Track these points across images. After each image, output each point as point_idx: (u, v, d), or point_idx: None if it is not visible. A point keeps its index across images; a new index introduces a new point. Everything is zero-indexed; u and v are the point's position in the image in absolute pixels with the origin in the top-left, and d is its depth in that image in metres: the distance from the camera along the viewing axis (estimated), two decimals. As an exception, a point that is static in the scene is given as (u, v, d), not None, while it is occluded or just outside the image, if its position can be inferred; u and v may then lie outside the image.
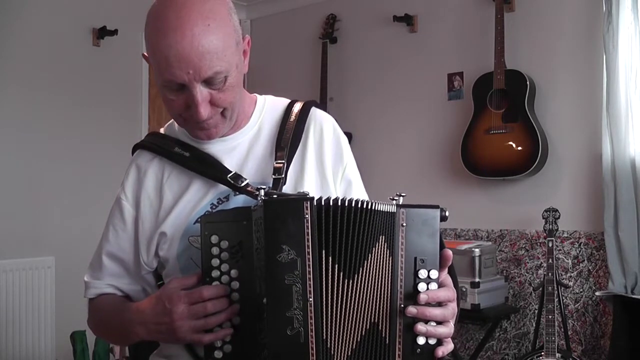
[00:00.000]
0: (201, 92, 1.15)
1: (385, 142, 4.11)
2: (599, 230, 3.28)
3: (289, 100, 1.39)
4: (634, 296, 3.07)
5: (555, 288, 3.06)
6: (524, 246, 3.56)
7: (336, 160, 1.34)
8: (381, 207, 1.11)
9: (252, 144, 1.32)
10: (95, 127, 4.08)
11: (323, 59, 4.30)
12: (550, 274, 3.07)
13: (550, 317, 3.00)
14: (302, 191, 1.19)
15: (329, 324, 1.06)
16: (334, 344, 1.07)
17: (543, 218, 3.21)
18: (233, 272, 1.12)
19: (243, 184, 1.23)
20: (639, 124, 3.15)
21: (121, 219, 1.32)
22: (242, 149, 1.31)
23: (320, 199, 1.08)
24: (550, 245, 3.13)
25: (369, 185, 1.41)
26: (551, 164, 3.42)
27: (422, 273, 1.10)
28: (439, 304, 1.11)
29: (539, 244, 3.50)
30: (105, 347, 3.42)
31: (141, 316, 1.18)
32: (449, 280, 1.15)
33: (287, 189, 1.25)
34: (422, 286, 1.10)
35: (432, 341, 1.10)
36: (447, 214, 1.13)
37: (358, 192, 1.36)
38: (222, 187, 1.26)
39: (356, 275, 1.08)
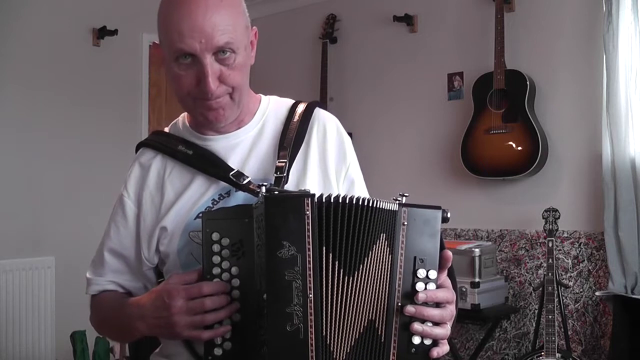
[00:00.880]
0: (212, 65, 1.18)
1: (386, 142, 4.11)
2: (599, 230, 3.28)
3: (293, 101, 1.40)
4: (634, 296, 3.07)
5: (555, 288, 3.06)
6: (524, 246, 3.56)
7: (339, 160, 1.35)
8: (383, 205, 1.11)
9: (255, 142, 1.33)
10: (95, 127, 4.08)
11: (323, 59, 4.30)
12: (550, 274, 3.07)
13: (550, 317, 3.00)
14: (303, 189, 1.19)
15: (329, 320, 1.06)
16: (333, 341, 1.07)
17: (543, 218, 3.21)
18: (234, 270, 1.12)
19: (245, 182, 1.24)
20: (639, 124, 3.15)
21: (123, 216, 1.33)
22: (245, 146, 1.32)
23: (321, 196, 1.09)
24: (550, 245, 3.13)
25: (369, 184, 1.41)
26: (551, 164, 3.42)
27: (421, 273, 1.10)
28: (437, 305, 1.11)
29: (539, 244, 3.50)
30: (105, 347, 3.42)
31: (141, 311, 1.18)
32: (448, 282, 1.16)
33: (289, 187, 1.26)
34: (420, 286, 1.10)
35: (427, 341, 1.10)
36: (448, 215, 1.13)
37: (360, 192, 1.36)
38: (224, 183, 1.27)
39: (356, 272, 1.09)
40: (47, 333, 3.79)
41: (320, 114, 1.37)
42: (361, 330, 1.08)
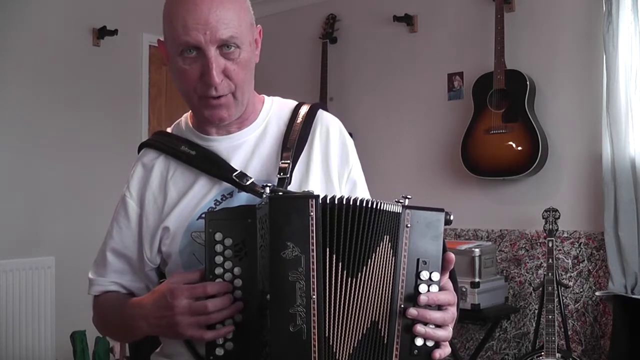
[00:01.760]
0: (216, 58, 1.18)
1: (385, 142, 4.11)
2: (599, 230, 3.28)
3: (296, 102, 1.40)
4: (634, 296, 3.07)
5: (555, 288, 3.06)
6: (524, 246, 3.56)
7: (342, 162, 1.35)
8: (387, 207, 1.11)
9: (258, 143, 1.33)
10: (95, 127, 4.08)
11: (323, 59, 4.30)
12: (550, 274, 3.07)
13: (550, 317, 3.00)
14: (306, 190, 1.20)
15: (332, 321, 1.06)
16: (336, 342, 1.07)
17: (543, 218, 3.21)
18: (236, 270, 1.12)
19: (248, 183, 1.24)
20: (639, 124, 3.15)
21: (125, 217, 1.33)
22: (248, 146, 1.32)
23: (325, 197, 1.09)
24: (550, 245, 3.13)
25: (369, 184, 1.41)
26: (551, 164, 3.42)
27: (424, 275, 1.11)
28: (439, 308, 1.11)
29: (539, 244, 3.50)
30: (105, 347, 3.43)
31: (143, 310, 1.18)
32: (449, 284, 1.16)
33: (292, 189, 1.26)
34: (423, 288, 1.10)
35: (429, 343, 1.10)
36: (451, 217, 1.14)
37: (362, 194, 1.36)
38: (226, 184, 1.27)
39: (359, 274, 1.09)
40: (47, 333, 3.79)
41: (323, 116, 1.37)
42: (364, 332, 1.08)
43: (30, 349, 3.72)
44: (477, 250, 3.32)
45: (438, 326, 1.11)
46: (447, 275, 1.15)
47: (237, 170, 1.26)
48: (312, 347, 1.04)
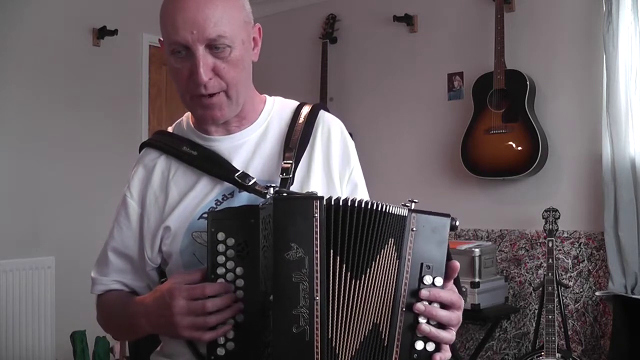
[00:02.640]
0: (204, 56, 1.18)
1: (385, 142, 4.11)
2: (599, 230, 3.28)
3: (297, 102, 1.40)
4: (634, 296, 3.07)
5: (555, 288, 3.06)
6: (524, 246, 3.56)
7: (343, 163, 1.35)
8: (393, 210, 1.11)
9: (260, 142, 1.32)
10: (95, 127, 4.08)
11: (323, 59, 4.30)
12: (550, 274, 3.07)
13: (550, 317, 3.00)
14: (310, 191, 1.19)
15: (335, 323, 1.06)
16: (339, 343, 1.07)
17: (543, 218, 3.21)
18: (238, 270, 1.12)
19: (250, 183, 1.23)
20: (639, 124, 3.15)
21: (126, 216, 1.33)
22: (250, 146, 1.32)
23: (330, 198, 1.09)
24: (550, 245, 3.13)
25: (368, 184, 1.41)
26: (551, 164, 3.42)
27: (427, 279, 1.10)
28: (443, 307, 1.11)
29: (539, 244, 3.50)
30: (105, 347, 3.43)
31: (144, 309, 1.19)
32: (455, 288, 1.16)
33: (293, 189, 1.26)
34: (423, 293, 1.10)
35: (430, 347, 1.10)
36: (457, 223, 1.13)
37: (362, 196, 1.36)
38: (228, 184, 1.27)
39: (363, 276, 1.08)
40: (47, 333, 3.79)
41: (325, 116, 1.37)
42: (366, 334, 1.08)
43: (30, 349, 3.71)
44: (477, 250, 3.32)
45: (442, 327, 1.10)
46: (451, 282, 1.14)
47: (239, 171, 1.26)
48: (314, 348, 1.04)
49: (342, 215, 1.08)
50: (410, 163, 4.03)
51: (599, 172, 3.25)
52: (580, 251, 3.37)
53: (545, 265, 3.24)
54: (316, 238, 1.06)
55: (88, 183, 4.00)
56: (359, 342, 1.08)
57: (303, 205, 1.07)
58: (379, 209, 1.10)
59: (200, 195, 1.27)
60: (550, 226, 3.17)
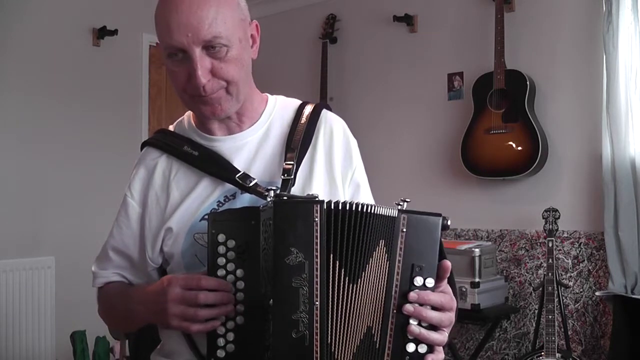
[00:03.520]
0: (201, 58, 1.17)
1: (385, 142, 4.11)
2: (599, 230, 3.28)
3: (300, 102, 1.39)
4: (634, 296, 3.07)
5: (555, 288, 3.06)
6: (524, 246, 3.56)
7: (345, 163, 1.34)
8: (382, 211, 1.10)
9: (261, 143, 1.32)
10: (95, 127, 4.08)
11: (323, 59, 4.30)
12: (550, 274, 3.07)
13: (550, 317, 3.00)
14: (310, 193, 1.19)
15: (333, 327, 1.06)
16: (338, 349, 1.07)
17: (543, 218, 3.21)
18: (239, 272, 1.12)
19: (252, 184, 1.23)
20: (639, 124, 3.15)
21: (125, 216, 1.33)
22: (251, 147, 1.31)
23: (330, 202, 1.08)
24: (550, 245, 3.13)
25: (369, 184, 1.41)
26: (551, 164, 3.42)
27: (418, 280, 1.09)
28: (434, 309, 1.09)
29: (539, 244, 3.50)
30: (105, 347, 3.43)
31: (143, 294, 1.21)
32: (448, 289, 1.15)
33: (295, 190, 1.25)
34: (412, 295, 1.08)
35: (422, 349, 1.08)
36: (449, 222, 1.11)
37: (365, 196, 1.36)
38: (229, 185, 1.26)
39: (359, 279, 1.08)
40: (47, 333, 3.79)
41: (327, 116, 1.36)
42: (361, 337, 1.08)
43: (30, 349, 3.72)
44: (477, 250, 3.32)
45: (433, 329, 1.09)
46: (444, 282, 1.13)
47: (240, 172, 1.25)
48: (314, 353, 1.04)
49: (341, 219, 1.08)
50: (410, 163, 4.03)
51: (599, 172, 3.24)
52: (580, 251, 3.37)
53: (545, 265, 3.24)
54: (316, 243, 1.05)
55: (88, 183, 4.00)
56: (356, 346, 1.08)
57: (303, 209, 1.07)
58: (369, 210, 1.09)
59: (202, 196, 1.27)
60: (550, 226, 3.17)
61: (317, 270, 1.05)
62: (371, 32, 4.24)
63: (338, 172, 1.33)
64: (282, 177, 1.24)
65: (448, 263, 1.11)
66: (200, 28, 1.15)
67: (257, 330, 1.10)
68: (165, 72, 4.44)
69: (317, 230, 1.06)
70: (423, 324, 1.08)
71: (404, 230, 1.09)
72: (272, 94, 1.41)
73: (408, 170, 4.02)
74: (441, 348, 1.11)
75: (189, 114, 1.39)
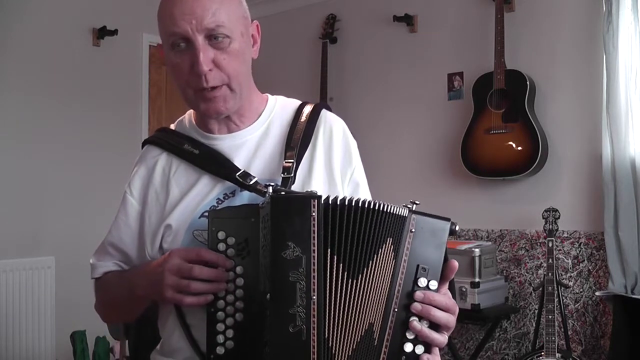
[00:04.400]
0: (204, 47, 1.19)
1: (385, 142, 4.11)
2: (599, 230, 3.28)
3: (299, 102, 1.40)
4: (634, 296, 3.07)
5: (555, 288, 3.06)
6: (524, 246, 3.56)
7: (345, 162, 1.35)
8: (392, 210, 1.11)
9: (261, 142, 1.33)
10: (95, 127, 4.09)
11: (323, 59, 4.30)
12: (550, 274, 3.07)
13: (550, 317, 3.00)
14: (309, 190, 1.19)
15: (332, 322, 1.06)
16: (335, 343, 1.07)
17: (543, 218, 3.21)
18: (238, 269, 1.13)
19: (252, 182, 1.24)
20: (639, 124, 3.15)
21: (124, 213, 1.34)
22: (251, 145, 1.32)
23: (327, 197, 1.09)
24: (550, 245, 3.13)
25: (369, 184, 1.41)
26: (551, 164, 3.42)
27: (422, 281, 1.10)
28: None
29: (539, 244, 3.50)
30: (105, 347, 3.43)
31: (145, 266, 1.23)
32: (449, 294, 1.15)
33: (295, 188, 1.26)
34: (418, 294, 1.10)
35: (419, 350, 1.09)
36: (457, 227, 1.13)
37: (364, 195, 1.36)
38: (229, 183, 1.27)
39: (360, 275, 1.08)
40: (47, 333, 3.79)
41: (327, 116, 1.37)
42: (362, 334, 1.08)
43: (30, 349, 3.72)
44: (477, 250, 3.32)
45: (434, 329, 1.09)
46: (446, 284, 1.14)
47: (240, 170, 1.26)
48: (311, 347, 1.04)
49: (340, 215, 1.08)
50: (410, 163, 4.03)
51: (599, 172, 3.24)
52: (580, 251, 3.37)
53: (545, 265, 3.24)
54: (313, 237, 1.06)
55: (88, 183, 4.00)
56: (355, 342, 1.08)
57: (300, 204, 1.07)
58: (378, 208, 1.10)
59: (202, 193, 1.28)
60: (550, 226, 3.17)
61: (314, 265, 1.05)
62: (371, 32, 4.24)
63: (337, 170, 1.33)
64: (282, 175, 1.25)
65: (455, 263, 1.13)
66: (205, 16, 1.18)
67: (256, 327, 1.10)
68: (165, 72, 4.48)
69: (314, 225, 1.06)
70: (425, 324, 1.09)
71: (413, 230, 1.11)
72: (272, 94, 1.42)
73: (408, 170, 4.02)
74: (437, 350, 1.11)
75: (190, 112, 1.39)
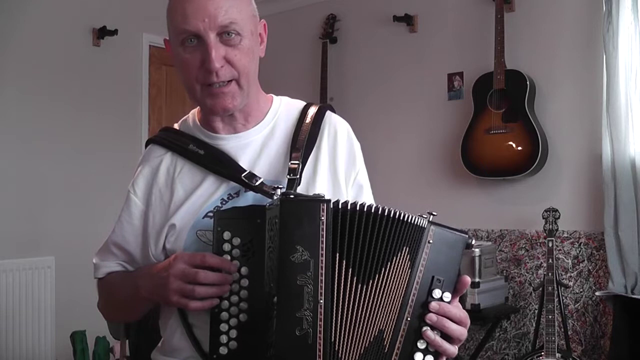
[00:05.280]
0: (215, 44, 1.19)
1: (385, 142, 4.11)
2: (599, 230, 3.28)
3: (304, 103, 1.40)
4: (634, 296, 3.07)
5: (555, 288, 3.06)
6: (524, 246, 3.56)
7: (349, 164, 1.35)
8: (411, 219, 1.12)
9: (266, 142, 1.33)
10: (95, 127, 4.08)
11: (323, 59, 4.30)
12: (550, 274, 3.07)
13: (550, 317, 3.00)
14: (315, 193, 1.19)
15: (339, 327, 1.06)
16: (342, 348, 1.07)
17: (543, 218, 3.21)
18: (243, 270, 1.13)
19: (257, 183, 1.24)
20: (639, 124, 3.15)
21: (128, 212, 1.33)
22: (256, 146, 1.32)
23: (337, 202, 1.09)
24: (550, 245, 3.13)
25: (370, 184, 1.41)
26: (551, 164, 3.42)
27: (436, 293, 1.11)
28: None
29: (539, 244, 3.50)
30: (105, 347, 3.42)
31: (149, 269, 1.23)
32: (460, 306, 1.16)
33: (299, 190, 1.26)
34: (433, 305, 1.10)
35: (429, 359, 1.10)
36: (473, 242, 1.15)
37: (367, 198, 1.36)
38: (233, 183, 1.27)
39: (371, 282, 1.09)
40: (47, 333, 3.79)
41: (331, 118, 1.37)
42: (371, 340, 1.08)
43: (30, 349, 3.71)
44: (477, 250, 3.32)
45: (446, 340, 1.10)
46: (458, 297, 1.15)
47: (246, 171, 1.26)
48: (317, 352, 1.04)
49: (350, 220, 1.08)
50: (410, 163, 4.03)
51: (599, 172, 3.25)
52: (580, 251, 3.37)
53: (545, 265, 3.24)
54: (322, 241, 1.06)
55: (88, 183, 4.00)
56: (363, 347, 1.08)
57: (310, 207, 1.07)
58: (395, 216, 1.10)
59: (206, 193, 1.28)
60: (550, 226, 3.17)
61: (322, 269, 1.05)
62: (371, 32, 4.24)
63: (341, 172, 1.33)
64: (288, 176, 1.25)
65: (467, 279, 1.14)
66: (217, 14, 1.18)
67: (260, 328, 1.10)
68: (165, 72, 4.47)
69: (323, 229, 1.06)
70: (438, 334, 1.10)
71: (431, 241, 1.12)
72: (272, 93, 1.42)
73: (408, 170, 4.02)
74: None
75: (193, 112, 1.39)
